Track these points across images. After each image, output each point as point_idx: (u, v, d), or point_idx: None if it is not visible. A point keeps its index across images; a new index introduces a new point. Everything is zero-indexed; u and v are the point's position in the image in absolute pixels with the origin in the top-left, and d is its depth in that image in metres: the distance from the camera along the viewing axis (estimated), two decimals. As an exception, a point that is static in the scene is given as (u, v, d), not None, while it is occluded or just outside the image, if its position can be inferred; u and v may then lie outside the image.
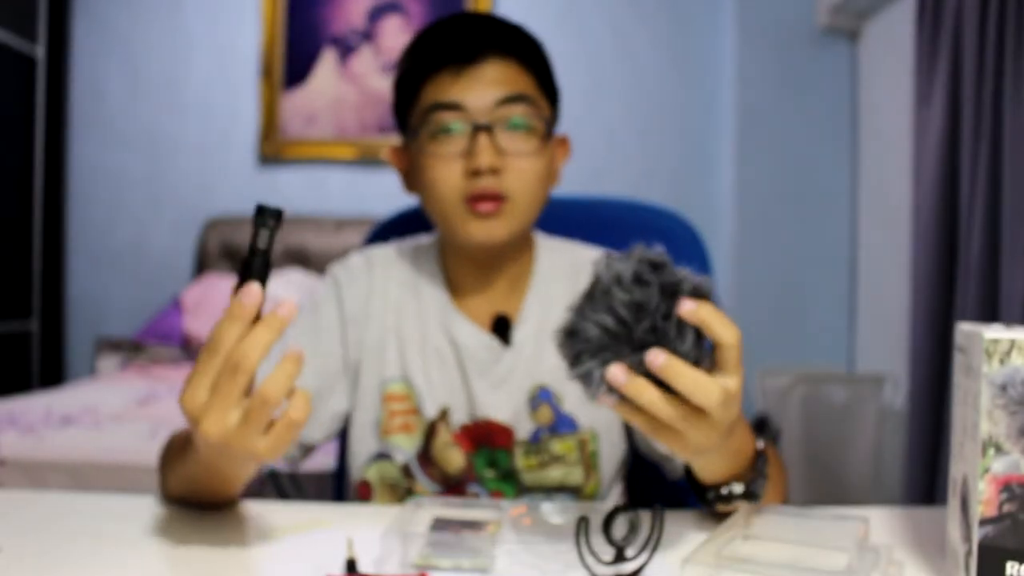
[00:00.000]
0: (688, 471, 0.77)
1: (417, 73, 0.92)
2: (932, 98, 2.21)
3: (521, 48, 0.93)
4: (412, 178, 0.97)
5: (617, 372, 0.60)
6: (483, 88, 0.89)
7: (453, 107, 0.89)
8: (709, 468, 0.73)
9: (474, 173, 0.88)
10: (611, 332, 0.61)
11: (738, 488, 0.74)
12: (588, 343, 0.62)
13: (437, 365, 0.97)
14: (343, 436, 1.06)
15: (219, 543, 0.74)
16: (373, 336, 0.98)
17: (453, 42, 0.91)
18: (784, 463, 0.94)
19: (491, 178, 0.88)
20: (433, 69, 0.90)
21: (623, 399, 0.62)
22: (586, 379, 0.62)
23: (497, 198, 0.89)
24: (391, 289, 1.00)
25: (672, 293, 0.61)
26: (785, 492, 0.88)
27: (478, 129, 0.88)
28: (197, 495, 0.79)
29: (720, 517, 0.77)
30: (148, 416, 2.15)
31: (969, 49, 2.02)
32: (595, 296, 0.62)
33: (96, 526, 0.77)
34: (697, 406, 0.61)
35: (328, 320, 0.98)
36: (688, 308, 0.61)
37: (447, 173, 0.90)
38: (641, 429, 0.64)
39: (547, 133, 0.93)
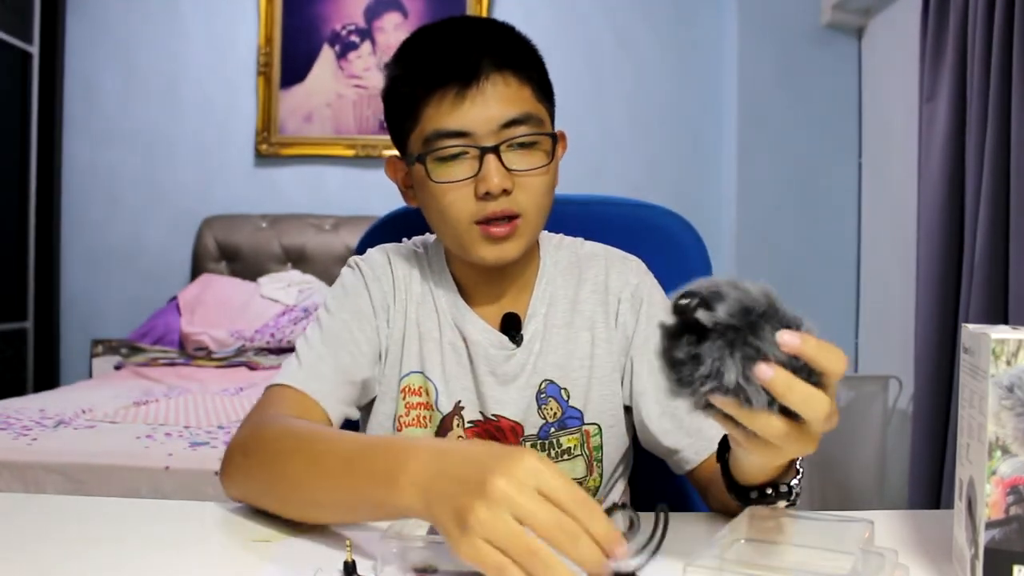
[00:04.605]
0: (724, 469, 0.76)
1: (415, 95, 0.91)
2: (937, 95, 2.20)
3: (517, 57, 0.92)
4: (413, 193, 0.97)
5: (765, 368, 0.58)
6: (487, 111, 0.88)
7: (459, 135, 0.89)
8: (768, 468, 0.72)
9: (485, 195, 0.89)
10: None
11: (784, 487, 0.74)
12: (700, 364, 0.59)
13: (453, 361, 0.99)
14: (358, 425, 1.05)
15: (217, 546, 0.73)
16: (396, 328, 1.00)
17: (449, 59, 0.89)
18: None
19: (503, 199, 0.89)
20: (431, 91, 0.89)
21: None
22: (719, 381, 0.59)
23: (510, 217, 0.90)
24: (413, 284, 1.01)
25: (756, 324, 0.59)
26: None
27: (485, 152, 0.88)
28: (317, 509, 0.75)
29: (724, 519, 0.76)
30: (144, 418, 2.14)
31: (975, 45, 2.01)
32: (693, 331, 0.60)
33: (91, 529, 0.76)
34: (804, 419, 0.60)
35: (364, 306, 0.99)
36: (792, 344, 0.58)
37: (458, 198, 0.90)
38: (741, 441, 0.63)
39: (552, 146, 0.94)
